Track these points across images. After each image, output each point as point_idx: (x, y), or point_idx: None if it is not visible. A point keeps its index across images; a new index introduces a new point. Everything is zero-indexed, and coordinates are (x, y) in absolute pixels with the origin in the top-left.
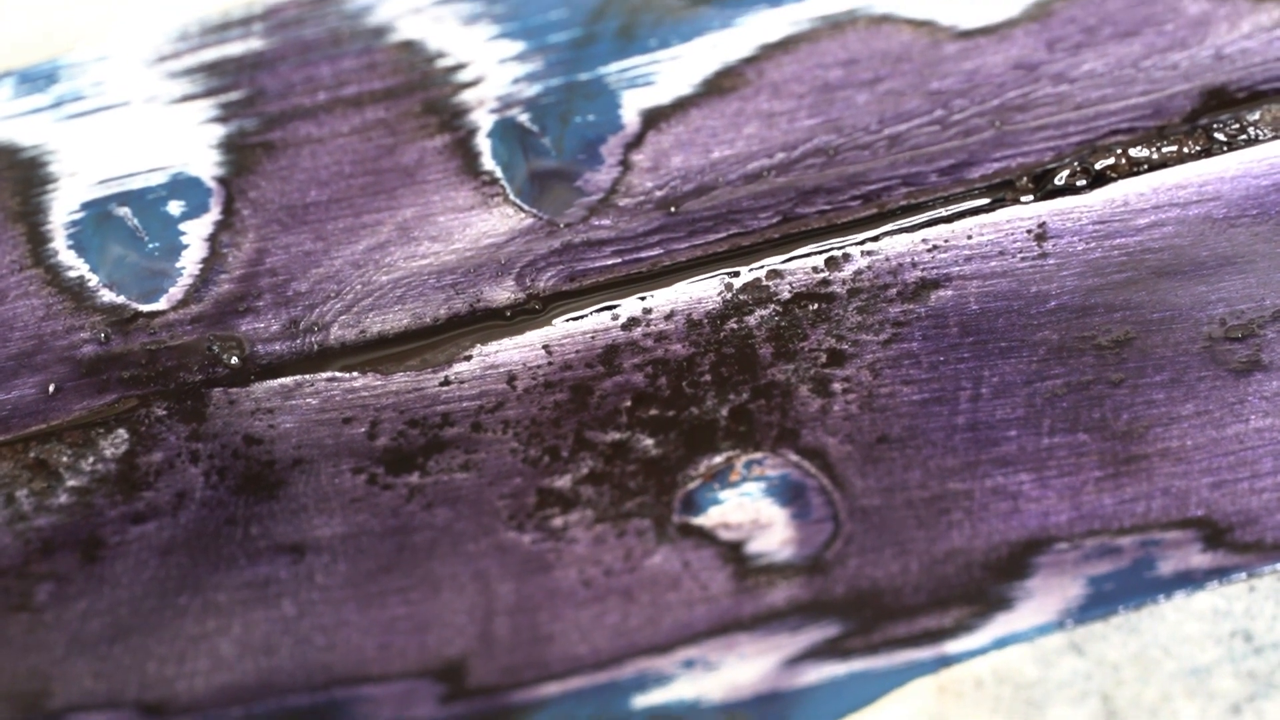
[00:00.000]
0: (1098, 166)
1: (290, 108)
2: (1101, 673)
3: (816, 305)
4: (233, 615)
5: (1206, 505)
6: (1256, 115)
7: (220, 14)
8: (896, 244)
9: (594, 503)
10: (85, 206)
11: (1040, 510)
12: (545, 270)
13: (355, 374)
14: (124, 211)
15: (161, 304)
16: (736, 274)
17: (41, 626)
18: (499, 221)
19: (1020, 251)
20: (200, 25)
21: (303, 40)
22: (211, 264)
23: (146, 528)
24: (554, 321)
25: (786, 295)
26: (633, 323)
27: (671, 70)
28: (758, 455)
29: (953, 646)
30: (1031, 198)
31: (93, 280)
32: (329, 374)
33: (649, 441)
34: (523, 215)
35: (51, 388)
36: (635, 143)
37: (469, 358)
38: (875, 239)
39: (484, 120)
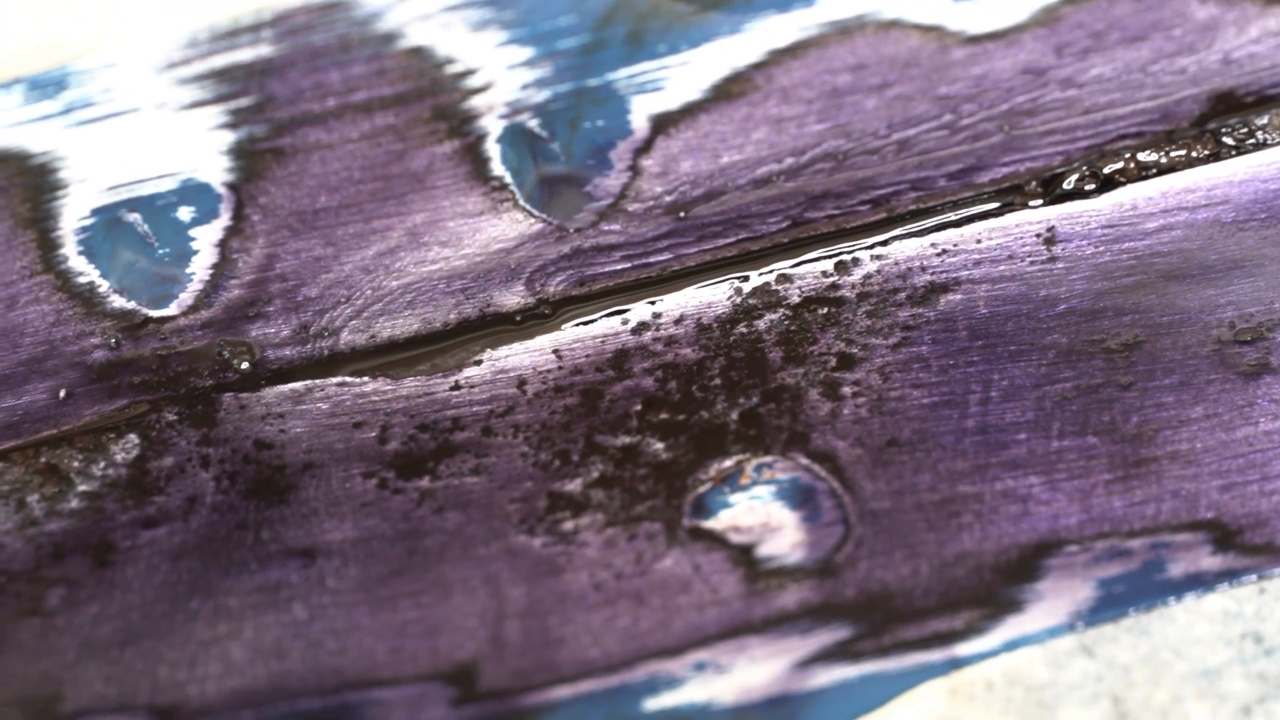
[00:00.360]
0: (1106, 171)
1: (300, 114)
2: (1112, 675)
3: (826, 309)
4: (244, 619)
5: (1216, 508)
6: (1265, 120)
7: (230, 20)
8: (906, 248)
9: (604, 506)
10: (95, 212)
11: (1050, 513)
12: (555, 275)
13: (366, 379)
14: (134, 217)
15: (172, 309)
16: (746, 278)
17: (53, 631)
18: (509, 227)
19: (1029, 255)
20: (210, 32)
21: (312, 46)
22: (222, 269)
23: (158, 532)
24: (564, 326)
25: (796, 299)
26: (642, 327)
27: (680, 76)
28: (768, 459)
29: (963, 649)
30: (1040, 202)
31: (103, 286)
32: (339, 379)
33: (659, 445)
34: (532, 220)
35: (62, 393)
36: (644, 148)
37: (479, 362)
38: (884, 243)
39: (493, 126)
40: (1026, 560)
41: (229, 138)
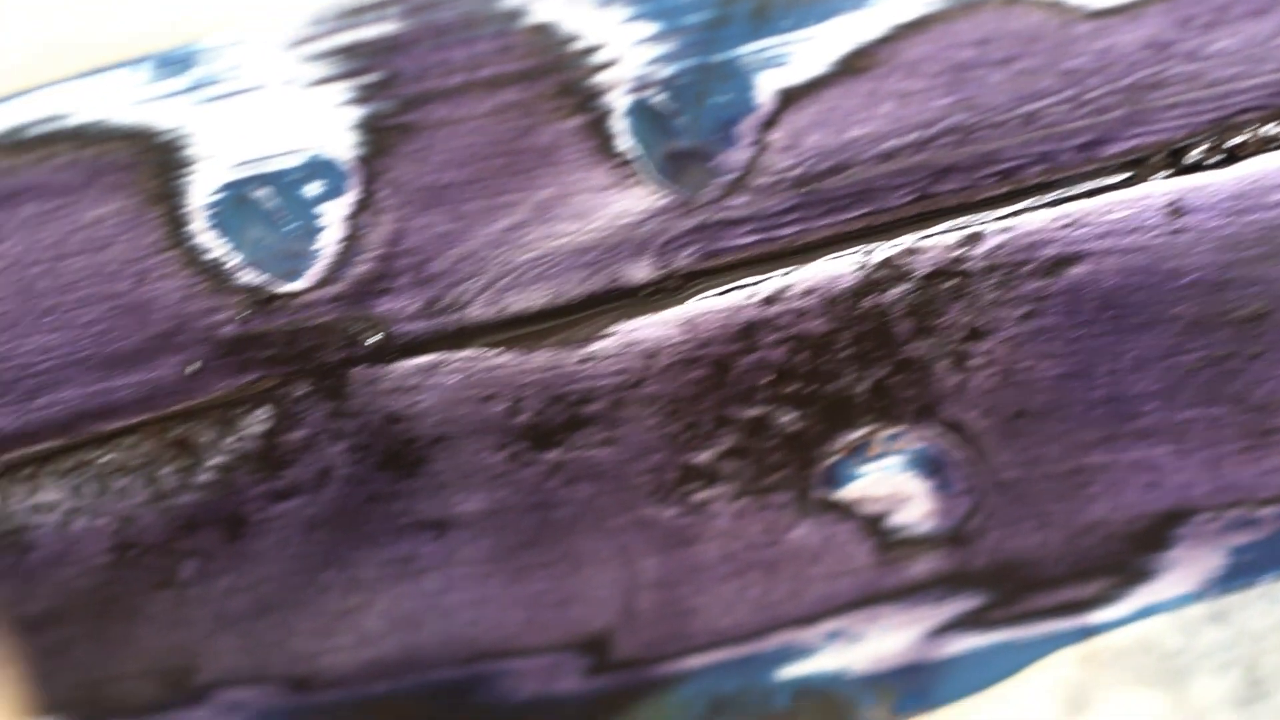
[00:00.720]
0: (1230, 144)
1: (426, 90)
2: (1245, 642)
3: (953, 282)
4: (377, 591)
5: None
6: None
7: None
8: (1032, 221)
9: (735, 477)
10: (223, 189)
11: (1180, 482)
12: (683, 249)
13: (496, 352)
14: (262, 193)
15: (300, 284)
16: (873, 251)
17: (186, 603)
18: (635, 201)
19: (1155, 227)
20: (336, 8)
21: (438, 23)
22: (350, 245)
23: (289, 505)
24: (692, 299)
25: (923, 272)
26: (771, 300)
27: (806, 50)
28: (897, 429)
29: (1095, 617)
30: (1165, 175)
31: (232, 261)
32: (469, 352)
33: (789, 417)
34: (659, 195)
35: (193, 367)
36: (770, 122)
37: (609, 335)
38: (1011, 216)
39: (619, 101)
40: (1157, 529)
41: (356, 114)
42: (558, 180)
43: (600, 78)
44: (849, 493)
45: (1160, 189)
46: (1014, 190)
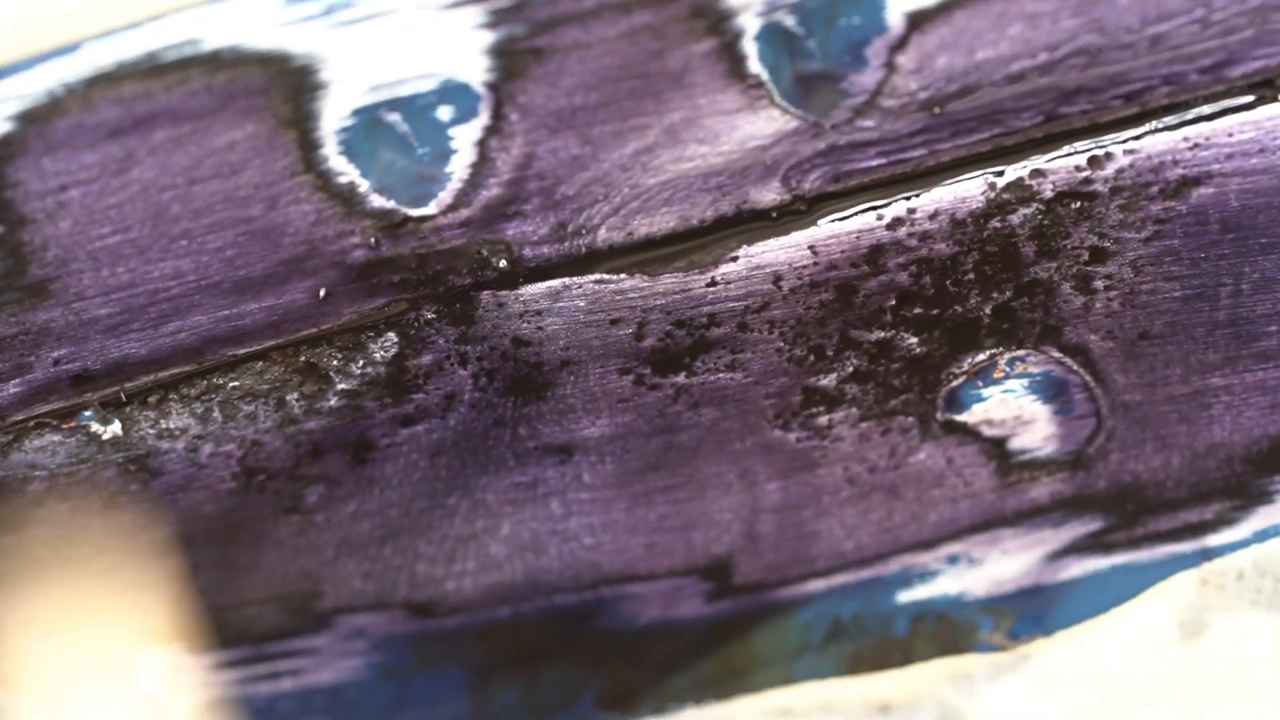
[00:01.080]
0: None
1: (558, 14)
2: None
3: (1079, 203)
4: (501, 516)
5: None
6: None
7: None
8: (1158, 142)
9: (859, 401)
10: (356, 113)
11: None
12: (810, 172)
13: (622, 276)
14: (394, 117)
15: (431, 208)
16: (1000, 173)
17: (312, 528)
18: (765, 124)
19: None
20: None
21: None
22: (480, 169)
23: (416, 430)
24: (819, 222)
25: (1049, 194)
26: (897, 223)
27: None
28: (1021, 352)
29: (1214, 540)
30: None
31: (363, 186)
32: (596, 276)
33: (913, 340)
34: (788, 118)
35: (322, 292)
36: (900, 45)
37: (735, 259)
38: (1137, 138)
39: (750, 24)
40: (1277, 451)
41: (488, 37)
42: (688, 103)
43: (731, 0)
44: (971, 416)
45: None
46: (1141, 112)
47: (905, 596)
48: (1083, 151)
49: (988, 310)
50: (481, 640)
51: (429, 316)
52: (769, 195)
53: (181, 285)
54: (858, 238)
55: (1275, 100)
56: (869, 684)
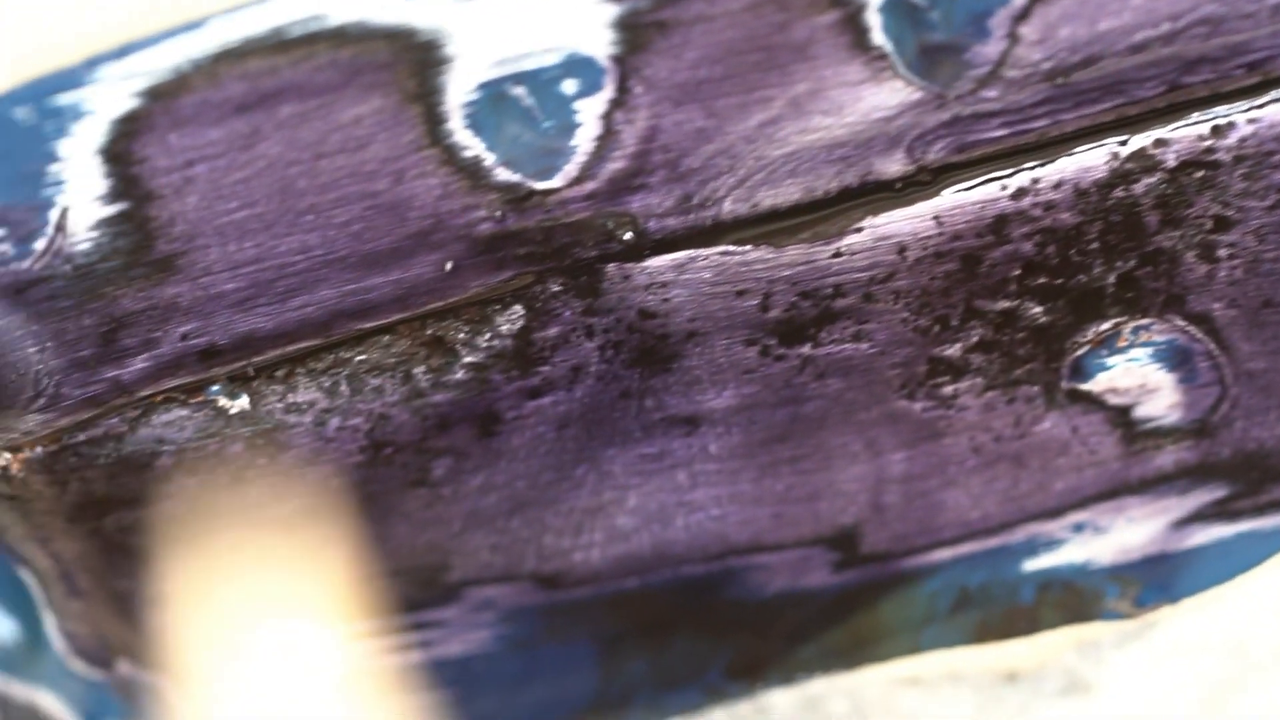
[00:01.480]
0: None
1: None
2: None
3: (1202, 173)
4: (628, 487)
5: None
6: None
7: None
8: None
9: (984, 370)
10: (481, 87)
11: None
12: (934, 143)
13: (748, 247)
14: (519, 91)
15: (556, 182)
16: (1124, 143)
17: (439, 501)
18: (889, 95)
19: None
20: None
21: None
22: (605, 142)
23: (542, 402)
24: (943, 193)
25: (1172, 163)
26: (1021, 193)
27: None
28: (1145, 321)
29: None
30: None
31: (489, 159)
32: (722, 248)
33: (1038, 309)
34: (912, 89)
35: (448, 266)
36: (1023, 16)
37: (860, 229)
38: (1259, 106)
39: None
40: None
41: (613, 11)
42: (812, 75)
43: None
44: (1096, 384)
45: None
46: (1263, 81)
47: (1031, 565)
48: (1206, 120)
49: (1112, 279)
50: (609, 611)
51: (555, 289)
52: (893, 166)
53: (308, 260)
54: (982, 208)
55: None
56: (996, 652)
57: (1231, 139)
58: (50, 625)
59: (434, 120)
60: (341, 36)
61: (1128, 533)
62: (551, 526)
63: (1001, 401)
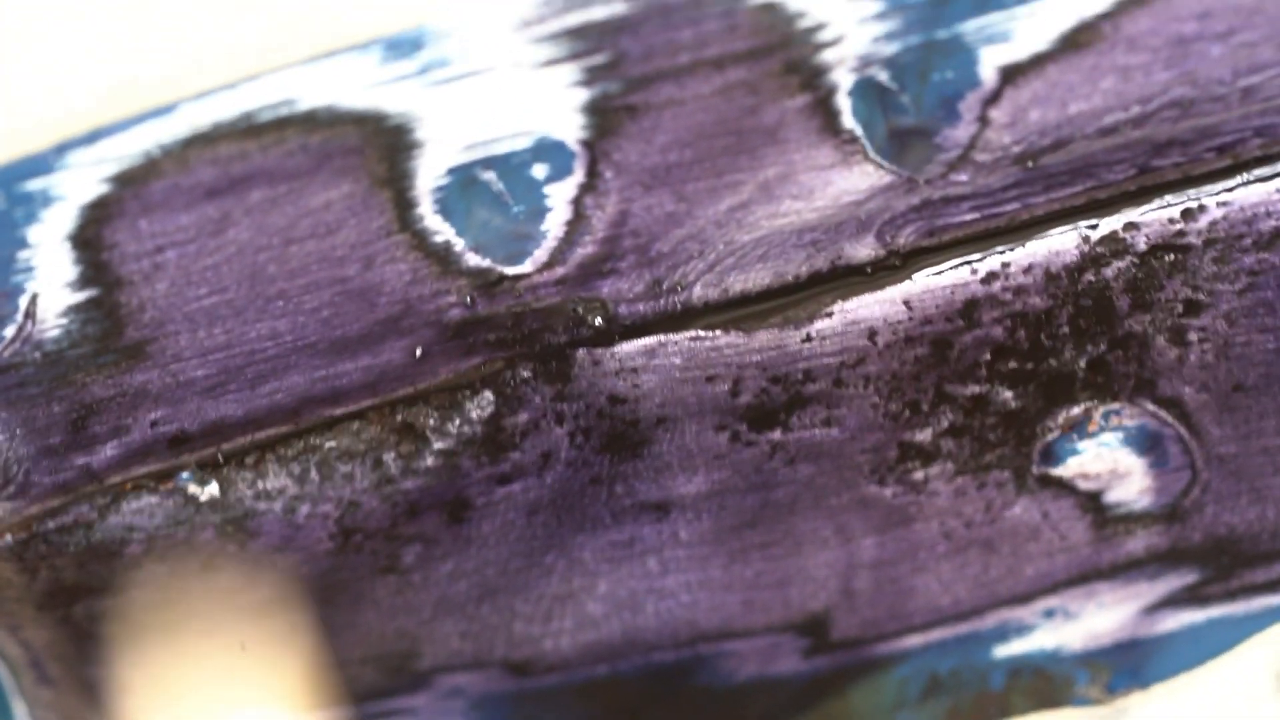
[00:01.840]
0: None
1: (653, 70)
2: None
3: (1173, 256)
4: (598, 574)
5: None
6: None
7: None
8: (1251, 194)
9: (954, 455)
10: (451, 172)
11: None
12: (905, 226)
13: (718, 332)
14: (489, 176)
15: (527, 267)
16: (1094, 226)
17: (409, 588)
18: (859, 179)
19: None
20: None
21: (665, 3)
22: (575, 226)
23: (513, 488)
24: (914, 277)
25: (1143, 247)
26: (991, 277)
27: (1029, 26)
28: (1115, 405)
29: None
30: None
31: (458, 244)
32: (692, 333)
33: (1008, 394)
34: (882, 172)
35: (418, 352)
36: (993, 99)
37: (830, 314)
38: (1230, 190)
39: (844, 79)
40: None
41: (583, 95)
42: (782, 159)
43: (825, 56)
44: (1067, 469)
45: None
46: (1233, 164)
47: (1002, 651)
48: (1176, 204)
49: (1082, 364)
50: (580, 698)
51: (525, 375)
52: (864, 250)
53: (278, 346)
54: (952, 292)
55: None
56: None
57: (1202, 222)
58: (20, 713)
59: (404, 205)
60: (312, 121)
61: (1098, 618)
62: (521, 613)
63: (972, 486)
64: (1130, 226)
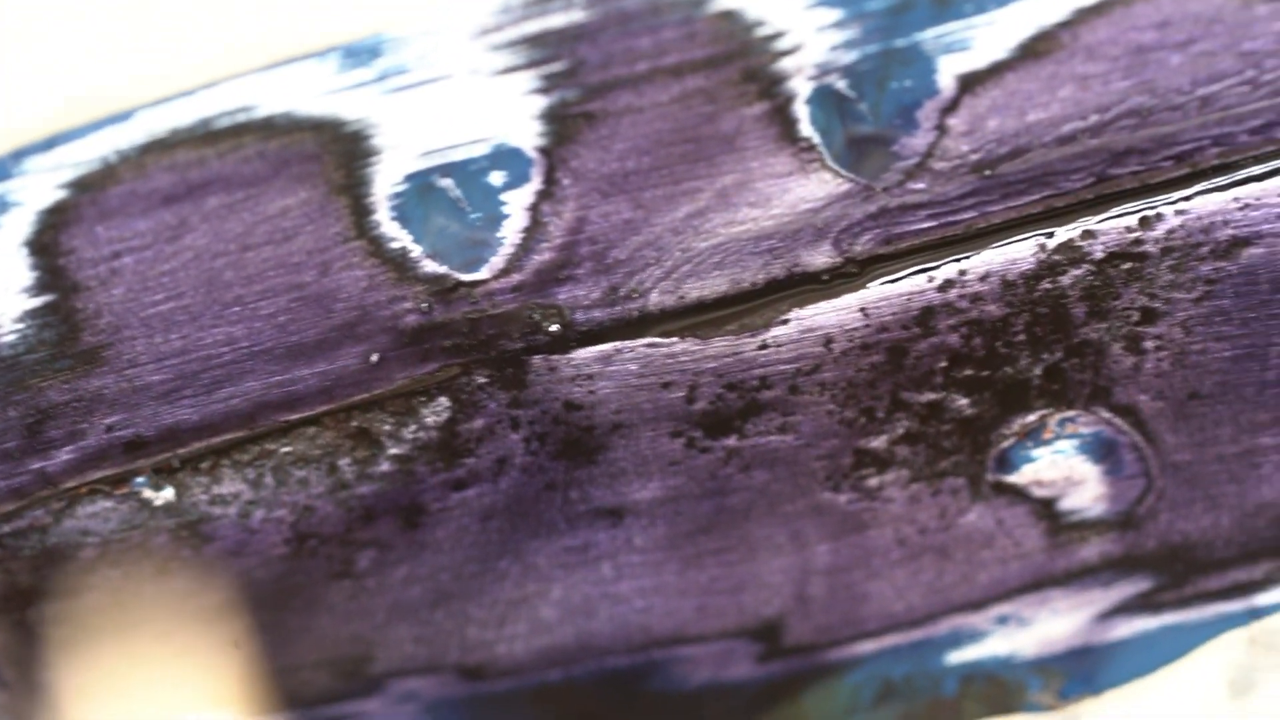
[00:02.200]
0: None
1: (611, 78)
2: None
3: (1129, 264)
4: (552, 579)
5: None
6: None
7: None
8: (1208, 203)
9: (909, 462)
10: (408, 179)
11: None
12: (861, 234)
13: (674, 339)
14: (446, 183)
15: (483, 273)
16: (1051, 235)
17: (363, 593)
18: (816, 187)
19: None
20: None
21: (623, 11)
22: (532, 233)
23: (467, 494)
24: (870, 285)
25: (1100, 255)
26: (948, 284)
27: (987, 35)
28: (1071, 413)
29: (1264, 599)
30: None
31: (415, 251)
32: (648, 340)
33: (963, 401)
34: (840, 180)
35: (374, 357)
36: (951, 107)
37: (786, 321)
38: (1187, 198)
39: (802, 87)
40: None
41: (540, 103)
42: (740, 167)
43: (783, 64)
44: (1021, 477)
45: None
46: (1191, 172)
47: (955, 657)
48: (1133, 212)
49: (1038, 371)
50: (533, 703)
51: (481, 381)
52: (820, 258)
53: (234, 351)
54: (909, 300)
55: None
56: None
57: (1159, 230)
58: None
59: (361, 211)
60: (269, 128)
61: (1051, 625)
62: (475, 618)
63: (927, 493)
64: (1088, 235)
